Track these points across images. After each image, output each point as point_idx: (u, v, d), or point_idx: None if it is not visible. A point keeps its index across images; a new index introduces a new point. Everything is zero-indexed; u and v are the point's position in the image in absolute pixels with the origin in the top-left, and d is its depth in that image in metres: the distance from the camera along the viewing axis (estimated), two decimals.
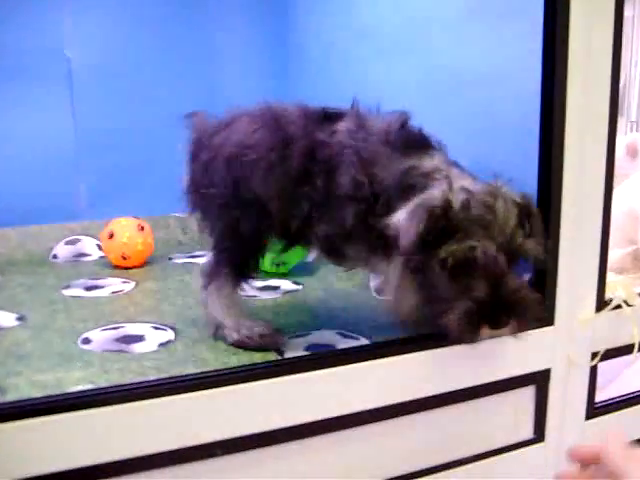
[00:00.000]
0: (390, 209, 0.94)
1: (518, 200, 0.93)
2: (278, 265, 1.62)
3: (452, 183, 0.91)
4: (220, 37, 2.17)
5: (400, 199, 0.94)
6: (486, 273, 0.88)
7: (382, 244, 0.98)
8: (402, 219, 0.91)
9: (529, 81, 1.09)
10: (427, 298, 0.97)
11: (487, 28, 1.25)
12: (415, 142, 1.02)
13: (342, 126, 1.06)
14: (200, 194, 1.15)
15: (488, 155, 1.11)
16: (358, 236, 1.03)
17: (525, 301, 0.89)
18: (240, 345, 1.11)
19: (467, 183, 0.93)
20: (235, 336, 1.11)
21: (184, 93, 2.13)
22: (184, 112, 2.09)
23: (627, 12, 1.11)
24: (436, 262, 0.89)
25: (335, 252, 1.09)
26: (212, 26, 2.17)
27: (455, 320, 0.88)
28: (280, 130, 1.08)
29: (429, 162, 0.98)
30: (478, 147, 1.08)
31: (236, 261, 1.14)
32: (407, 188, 0.95)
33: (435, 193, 0.91)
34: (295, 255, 1.56)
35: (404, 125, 1.05)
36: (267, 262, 1.60)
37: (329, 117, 1.09)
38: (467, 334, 0.90)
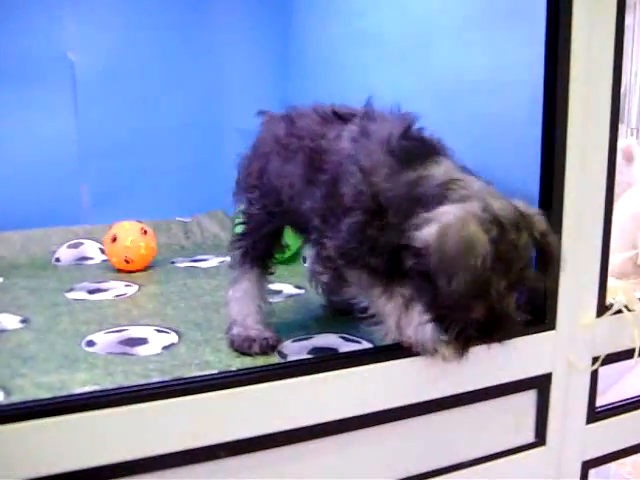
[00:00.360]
0: (404, 220, 0.91)
1: (539, 237, 0.90)
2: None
3: (488, 205, 0.86)
4: (223, 41, 2.18)
5: (414, 211, 0.91)
6: (489, 302, 0.87)
7: (385, 259, 0.96)
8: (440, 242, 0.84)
9: (531, 88, 1.09)
10: (422, 301, 0.95)
11: (489, 35, 1.26)
12: (418, 150, 0.99)
13: (347, 131, 1.06)
14: (237, 184, 1.26)
15: (490, 162, 1.11)
16: (357, 254, 0.98)
17: (513, 323, 0.90)
18: (229, 342, 1.14)
19: (497, 206, 0.87)
20: (231, 331, 1.15)
21: (187, 97, 2.14)
22: (187, 116, 2.13)
23: (627, 20, 1.12)
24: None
25: (336, 274, 1.06)
26: (215, 30, 2.18)
27: (453, 336, 0.90)
28: (291, 127, 1.14)
29: (437, 170, 0.95)
30: (480, 154, 1.08)
31: (254, 252, 1.21)
32: (420, 199, 0.92)
33: (473, 226, 0.84)
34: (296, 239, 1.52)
35: (406, 132, 1.01)
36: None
37: (339, 117, 1.10)
38: (460, 352, 0.92)
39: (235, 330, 1.15)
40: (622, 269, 1.70)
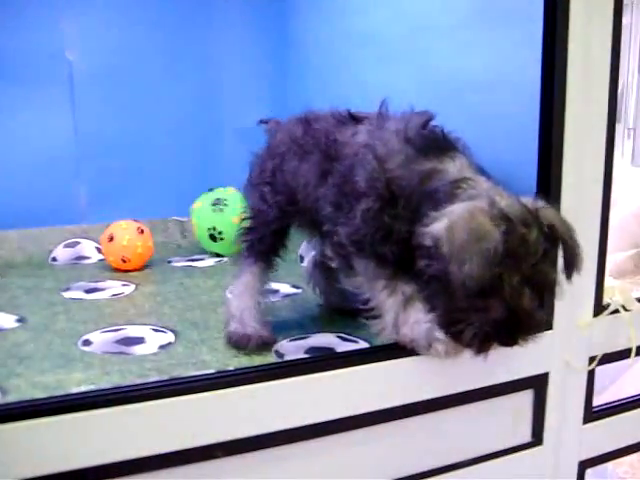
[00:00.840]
0: (416, 213, 0.93)
1: (548, 230, 0.89)
2: None
3: (495, 202, 0.87)
4: (221, 42, 2.18)
5: (425, 204, 0.93)
6: (504, 298, 0.86)
7: (394, 250, 0.97)
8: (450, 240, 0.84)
9: (528, 88, 1.09)
10: (436, 305, 0.94)
11: (487, 35, 1.26)
12: (436, 143, 1.00)
13: (363, 127, 1.08)
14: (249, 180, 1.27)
15: (487, 162, 1.11)
16: (368, 242, 0.99)
17: (536, 324, 0.89)
18: (226, 338, 1.15)
19: (504, 203, 0.88)
20: (228, 327, 1.16)
21: (184, 97, 2.14)
22: (184, 116, 2.13)
23: (624, 20, 1.12)
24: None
25: (345, 261, 1.06)
26: (213, 31, 2.17)
27: (469, 337, 0.88)
28: (309, 128, 1.15)
29: (452, 166, 0.96)
30: (477, 153, 1.08)
31: (260, 247, 1.22)
32: (432, 193, 0.93)
33: (482, 218, 0.85)
34: None
35: (425, 125, 1.03)
36: None
37: (355, 119, 1.11)
38: (478, 350, 0.90)
39: (232, 326, 1.15)
40: (622, 268, 1.70)
